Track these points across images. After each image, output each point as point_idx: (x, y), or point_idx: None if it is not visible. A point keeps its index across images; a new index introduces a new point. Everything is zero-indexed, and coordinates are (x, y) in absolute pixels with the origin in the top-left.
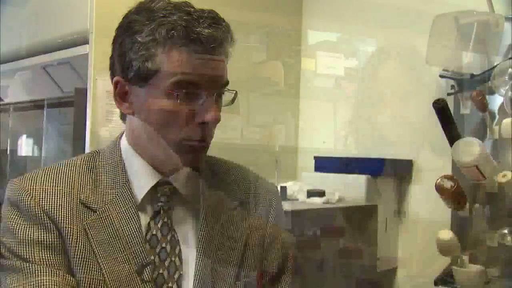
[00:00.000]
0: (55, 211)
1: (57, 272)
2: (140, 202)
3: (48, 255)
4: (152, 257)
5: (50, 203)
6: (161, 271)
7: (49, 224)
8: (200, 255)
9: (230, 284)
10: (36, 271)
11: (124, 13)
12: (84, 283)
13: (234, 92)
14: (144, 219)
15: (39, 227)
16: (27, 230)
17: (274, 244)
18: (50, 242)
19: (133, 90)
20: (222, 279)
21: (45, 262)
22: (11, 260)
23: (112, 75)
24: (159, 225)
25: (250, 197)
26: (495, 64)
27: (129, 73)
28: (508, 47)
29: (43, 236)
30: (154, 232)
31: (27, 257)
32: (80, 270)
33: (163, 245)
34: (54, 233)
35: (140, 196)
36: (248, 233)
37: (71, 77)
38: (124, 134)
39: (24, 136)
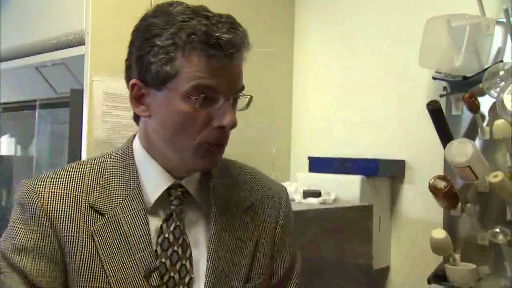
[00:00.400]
0: (61, 217)
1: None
2: (152, 205)
3: (40, 266)
4: (161, 261)
5: (58, 208)
6: (172, 274)
7: (49, 233)
8: (211, 258)
9: (240, 286)
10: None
11: (120, 15)
12: None
13: (249, 97)
14: (156, 222)
15: (38, 235)
16: (26, 236)
17: (284, 246)
18: (44, 253)
19: (150, 93)
20: (232, 282)
21: (34, 273)
22: (2, 269)
23: (128, 77)
24: (171, 228)
25: (260, 199)
26: (486, 67)
27: (147, 76)
28: (498, 50)
29: (39, 246)
30: (166, 235)
31: (18, 265)
32: (85, 278)
33: (175, 248)
34: (52, 244)
35: (153, 199)
36: (258, 235)
37: (65, 77)
38: (137, 137)
39: (15, 137)
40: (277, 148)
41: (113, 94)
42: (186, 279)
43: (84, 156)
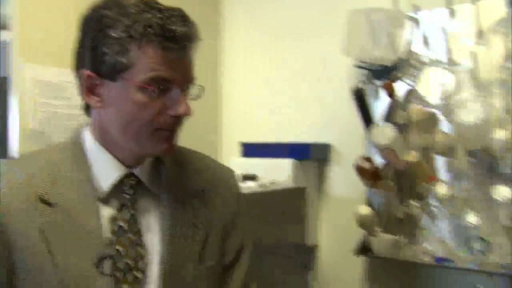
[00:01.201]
0: (8, 215)
1: None
2: (105, 194)
3: None
4: (116, 249)
5: (5, 206)
6: (126, 261)
7: None
8: (164, 244)
9: (193, 269)
10: None
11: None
12: (42, 286)
13: (201, 87)
14: (109, 211)
15: None
16: None
17: (235, 228)
18: None
19: (104, 84)
20: (186, 265)
21: None
22: None
23: (78, 68)
24: (125, 217)
25: (211, 184)
26: (400, 57)
27: (102, 67)
28: (408, 41)
29: None
30: (120, 224)
31: None
32: (34, 276)
33: (129, 235)
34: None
35: (106, 188)
36: (210, 219)
37: None
38: (87, 127)
39: None
40: (206, 134)
41: (48, 82)
42: (140, 265)
43: (15, 147)
